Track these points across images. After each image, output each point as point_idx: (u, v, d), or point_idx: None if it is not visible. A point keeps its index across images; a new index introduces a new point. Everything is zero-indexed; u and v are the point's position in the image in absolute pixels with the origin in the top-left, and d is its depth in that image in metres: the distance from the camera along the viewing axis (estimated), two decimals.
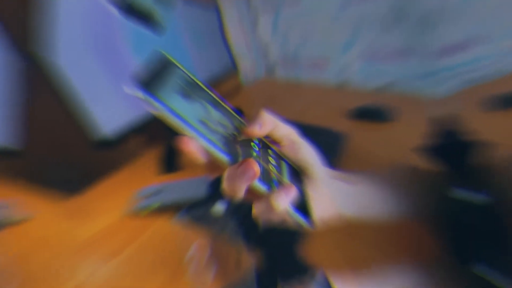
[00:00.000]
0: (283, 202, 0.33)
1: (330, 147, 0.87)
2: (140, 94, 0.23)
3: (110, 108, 0.78)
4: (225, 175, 0.29)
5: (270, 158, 0.36)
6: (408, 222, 0.61)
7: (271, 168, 0.35)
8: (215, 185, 0.74)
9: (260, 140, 0.37)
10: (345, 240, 0.61)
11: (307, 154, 0.40)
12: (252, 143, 0.35)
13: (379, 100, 1.10)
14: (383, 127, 1.00)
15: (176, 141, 0.26)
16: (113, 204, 0.78)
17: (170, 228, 0.69)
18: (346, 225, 0.53)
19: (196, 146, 0.27)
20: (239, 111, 0.36)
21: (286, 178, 0.37)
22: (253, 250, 0.58)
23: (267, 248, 0.58)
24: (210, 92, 0.31)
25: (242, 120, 0.35)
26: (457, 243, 0.49)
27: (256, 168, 0.28)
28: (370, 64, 1.27)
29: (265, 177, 0.33)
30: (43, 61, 0.68)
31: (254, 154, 0.34)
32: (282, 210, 0.33)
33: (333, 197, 0.41)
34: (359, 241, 0.61)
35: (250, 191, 0.33)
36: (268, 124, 0.36)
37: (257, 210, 0.34)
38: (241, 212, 0.66)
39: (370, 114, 1.03)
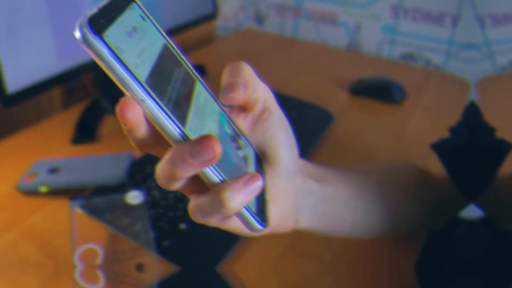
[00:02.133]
0: (238, 200, 0.23)
1: (312, 129, 0.71)
2: (83, 35, 0.18)
3: (24, 50, 0.58)
4: (169, 154, 0.22)
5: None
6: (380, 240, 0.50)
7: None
8: (138, 166, 0.61)
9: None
10: (290, 257, 0.48)
11: (276, 130, 0.29)
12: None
13: (394, 74, 0.89)
14: (389, 108, 0.81)
15: (118, 104, 0.20)
16: None
17: (64, 216, 0.53)
18: (296, 236, 0.40)
19: (140, 112, 0.21)
20: (200, 69, 0.26)
21: (251, 167, 0.27)
22: (163, 258, 0.47)
23: (181, 259, 0.47)
24: (170, 44, 0.25)
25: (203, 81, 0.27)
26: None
27: (218, 150, 0.21)
28: (396, 24, 1.05)
29: (222, 161, 0.24)
30: None
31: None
32: (234, 210, 0.23)
33: (294, 198, 0.30)
34: (309, 261, 0.48)
35: (193, 180, 0.24)
36: (253, 82, 0.26)
37: (195, 206, 0.24)
38: (161, 206, 0.54)
39: (377, 90, 0.83)
